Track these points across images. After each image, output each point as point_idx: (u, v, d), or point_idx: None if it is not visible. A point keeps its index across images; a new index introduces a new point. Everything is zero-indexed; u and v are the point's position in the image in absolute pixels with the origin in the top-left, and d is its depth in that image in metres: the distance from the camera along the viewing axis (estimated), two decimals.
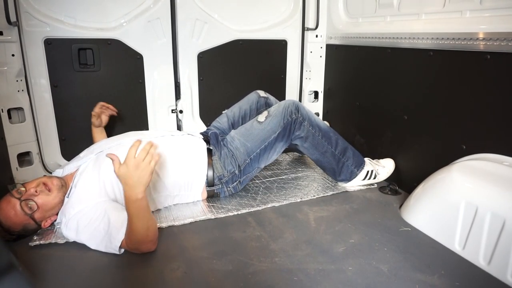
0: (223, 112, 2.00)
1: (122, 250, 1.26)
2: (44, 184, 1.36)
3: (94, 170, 1.40)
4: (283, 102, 1.71)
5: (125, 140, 1.55)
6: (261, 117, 1.68)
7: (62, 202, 1.38)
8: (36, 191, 1.32)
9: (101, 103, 1.83)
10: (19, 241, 1.33)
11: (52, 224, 1.42)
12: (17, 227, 1.31)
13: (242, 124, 1.86)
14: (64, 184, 1.42)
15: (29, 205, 1.30)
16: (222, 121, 1.93)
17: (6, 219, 1.28)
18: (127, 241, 1.22)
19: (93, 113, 1.81)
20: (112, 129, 1.98)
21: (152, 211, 1.52)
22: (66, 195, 1.39)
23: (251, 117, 1.94)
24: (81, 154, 1.57)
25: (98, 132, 1.86)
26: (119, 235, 1.23)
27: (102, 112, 1.84)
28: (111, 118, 1.98)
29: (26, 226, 1.32)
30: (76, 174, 1.43)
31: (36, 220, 1.33)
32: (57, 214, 1.39)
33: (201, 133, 1.79)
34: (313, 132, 1.69)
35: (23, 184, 1.35)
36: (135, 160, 1.16)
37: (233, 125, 1.90)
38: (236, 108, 1.97)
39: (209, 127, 1.95)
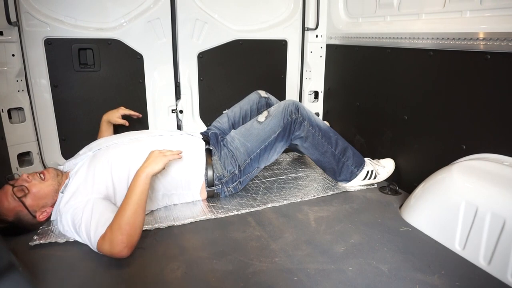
0: (223, 112, 2.00)
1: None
2: (40, 173, 1.40)
3: (89, 168, 1.41)
4: (283, 102, 1.72)
5: (123, 139, 1.56)
6: (261, 117, 1.68)
7: (56, 192, 1.39)
8: (28, 177, 1.36)
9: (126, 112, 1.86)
10: (19, 239, 1.33)
11: (49, 220, 1.43)
12: (10, 213, 1.32)
13: (242, 124, 1.86)
14: (61, 174, 1.44)
15: (19, 189, 1.32)
16: (222, 121, 1.93)
17: None
18: (109, 230, 1.21)
19: (121, 113, 1.82)
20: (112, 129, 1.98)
21: (152, 210, 1.53)
22: (61, 190, 1.40)
23: (251, 117, 1.94)
24: (81, 152, 1.59)
25: (107, 127, 1.86)
26: (98, 232, 1.21)
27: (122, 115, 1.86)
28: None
29: (18, 214, 1.32)
30: (73, 172, 1.45)
31: (28, 208, 1.33)
32: (52, 207, 1.40)
33: (201, 133, 1.79)
34: (313, 132, 1.69)
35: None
36: (164, 151, 1.39)
37: (234, 126, 1.90)
38: (236, 108, 1.97)
39: (209, 127, 1.95)
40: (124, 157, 1.46)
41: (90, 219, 1.25)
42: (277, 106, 1.70)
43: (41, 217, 1.38)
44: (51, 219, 1.45)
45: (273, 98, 2.02)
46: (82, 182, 1.37)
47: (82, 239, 1.27)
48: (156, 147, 1.52)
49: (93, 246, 1.23)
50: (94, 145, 1.58)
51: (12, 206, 1.31)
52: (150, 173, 1.31)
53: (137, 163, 1.45)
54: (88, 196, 1.34)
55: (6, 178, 1.38)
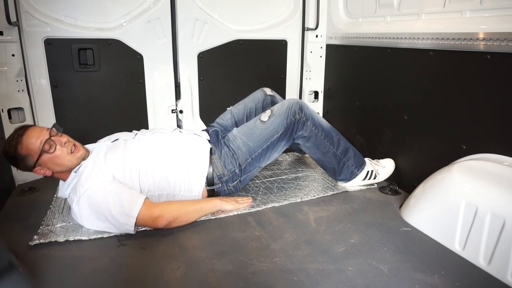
0: (227, 108, 1.97)
1: (137, 229, 1.36)
2: (75, 146, 1.45)
3: (105, 155, 1.45)
4: (286, 101, 1.70)
5: (139, 135, 1.60)
6: (264, 116, 1.68)
7: (69, 168, 1.44)
8: (64, 143, 1.42)
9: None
10: (19, 239, 1.32)
11: (47, 215, 1.43)
12: (24, 151, 1.37)
13: (246, 122, 1.85)
14: (86, 155, 1.48)
15: (49, 146, 1.38)
16: (225, 118, 1.92)
17: (27, 137, 1.37)
18: (169, 204, 1.42)
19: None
20: (112, 129, 1.98)
21: None
22: (74, 170, 1.44)
23: (256, 116, 1.91)
24: (101, 140, 1.63)
25: None
26: (134, 211, 1.30)
27: None
28: (111, 118, 1.98)
29: (28, 156, 1.37)
30: (90, 155, 1.48)
31: (38, 160, 1.38)
32: (53, 174, 1.45)
33: (202, 130, 1.79)
34: (315, 132, 1.69)
35: (63, 133, 1.46)
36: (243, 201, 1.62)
37: (237, 124, 1.89)
38: (241, 106, 1.95)
39: (211, 124, 1.94)
40: (137, 157, 1.48)
41: (119, 198, 1.32)
42: (281, 105, 1.69)
43: (37, 171, 1.42)
44: (59, 195, 1.50)
45: (278, 97, 2.00)
46: (95, 167, 1.40)
47: (108, 218, 1.31)
48: (166, 149, 1.56)
49: (133, 217, 1.30)
50: (113, 136, 1.62)
51: (32, 148, 1.36)
52: (221, 206, 1.53)
53: (147, 164, 1.48)
54: (104, 179, 1.37)
55: (54, 124, 1.45)
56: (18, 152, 1.37)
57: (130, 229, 1.33)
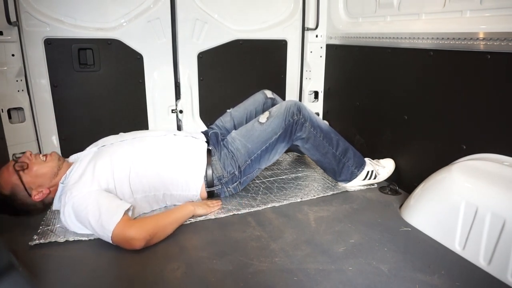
0: (227, 110, 1.96)
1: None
2: (43, 155, 1.46)
3: (90, 162, 1.44)
4: (284, 102, 1.71)
5: (128, 137, 1.59)
6: (263, 118, 1.68)
7: (54, 175, 1.44)
8: (31, 156, 1.42)
9: None
10: (19, 239, 1.33)
11: (47, 215, 1.45)
12: (7, 186, 1.36)
13: None
14: (62, 159, 1.49)
15: (20, 164, 1.38)
16: (225, 120, 1.91)
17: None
18: (142, 221, 1.32)
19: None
20: (112, 129, 1.98)
21: (152, 210, 1.54)
22: (61, 181, 1.43)
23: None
24: (87, 148, 1.61)
25: None
26: (110, 225, 1.24)
27: None
28: (111, 118, 1.98)
29: (15, 188, 1.37)
30: (75, 163, 1.47)
31: (25, 184, 1.37)
32: (48, 189, 1.43)
33: (202, 132, 1.79)
34: (314, 133, 1.69)
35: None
36: (213, 204, 1.58)
37: (236, 127, 1.88)
38: (241, 109, 1.94)
39: (211, 126, 1.94)
40: (126, 157, 1.47)
41: (98, 209, 1.27)
42: (279, 107, 1.69)
43: (36, 197, 1.40)
44: (53, 208, 1.48)
45: (279, 99, 1.99)
46: (82, 175, 1.39)
47: (89, 229, 1.30)
48: (159, 148, 1.55)
49: (108, 231, 1.24)
50: (99, 142, 1.61)
51: (10, 180, 1.36)
52: (195, 212, 1.48)
53: (138, 164, 1.47)
54: (89, 188, 1.35)
55: (13, 155, 1.46)
56: (4, 194, 1.36)
57: (108, 240, 1.26)
